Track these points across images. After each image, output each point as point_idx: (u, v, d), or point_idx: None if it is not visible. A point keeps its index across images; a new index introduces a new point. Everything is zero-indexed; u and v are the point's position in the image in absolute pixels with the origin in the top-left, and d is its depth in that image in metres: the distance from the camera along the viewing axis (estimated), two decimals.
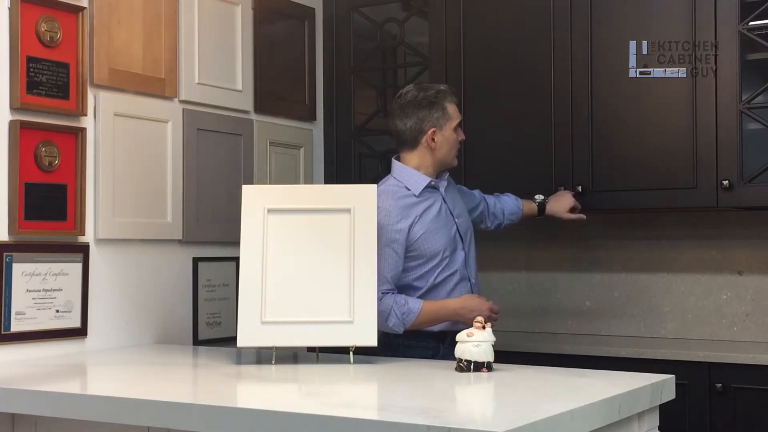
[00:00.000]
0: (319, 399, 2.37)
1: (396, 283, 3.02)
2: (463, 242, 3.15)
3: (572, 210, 3.56)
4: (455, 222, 3.15)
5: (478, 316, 2.76)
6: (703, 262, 3.83)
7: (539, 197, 3.58)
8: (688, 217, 3.85)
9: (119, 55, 3.30)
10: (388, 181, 3.11)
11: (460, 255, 3.14)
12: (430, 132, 3.09)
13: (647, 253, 3.93)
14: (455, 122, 3.13)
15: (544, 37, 3.71)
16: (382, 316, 2.93)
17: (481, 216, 3.45)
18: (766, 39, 3.41)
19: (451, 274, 3.10)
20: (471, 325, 2.63)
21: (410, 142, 3.12)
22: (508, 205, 3.51)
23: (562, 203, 3.56)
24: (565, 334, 4.03)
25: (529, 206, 3.55)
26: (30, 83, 3.02)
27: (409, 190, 3.08)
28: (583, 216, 3.58)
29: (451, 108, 3.13)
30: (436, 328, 3.06)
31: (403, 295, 3.01)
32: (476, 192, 3.47)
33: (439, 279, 3.08)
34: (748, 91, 3.43)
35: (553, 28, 3.68)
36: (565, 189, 3.65)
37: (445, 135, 3.11)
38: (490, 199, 3.50)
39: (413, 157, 3.13)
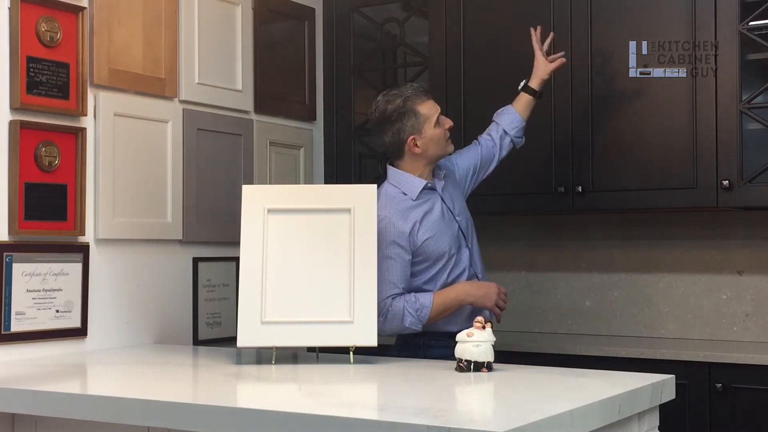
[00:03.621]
0: (319, 399, 2.37)
1: (407, 287, 3.01)
2: (466, 239, 3.15)
3: (550, 61, 3.43)
4: (456, 220, 3.14)
5: (489, 292, 3.02)
6: (703, 262, 3.83)
7: (521, 84, 3.41)
8: (688, 217, 3.85)
9: (119, 55, 3.30)
10: (385, 188, 3.09)
11: (465, 252, 3.13)
12: (410, 141, 3.07)
13: (647, 253, 3.93)
14: (433, 119, 3.07)
15: (544, 37, 3.70)
16: (397, 318, 2.93)
17: (486, 163, 3.35)
18: (766, 39, 3.41)
19: (461, 273, 3.10)
20: (484, 306, 2.82)
21: (397, 153, 3.12)
22: (504, 122, 3.37)
23: (540, 69, 3.42)
24: (565, 334, 4.03)
25: (521, 103, 3.39)
26: (30, 83, 3.02)
27: (406, 194, 3.07)
28: (563, 57, 3.45)
29: (424, 107, 3.08)
30: (455, 327, 3.05)
31: (413, 293, 3.00)
32: (471, 150, 3.36)
33: (450, 279, 3.07)
34: (748, 91, 3.43)
35: (553, 28, 3.67)
36: (565, 189, 3.66)
37: (426, 136, 3.07)
38: (484, 136, 3.38)
39: (405, 163, 3.12)
